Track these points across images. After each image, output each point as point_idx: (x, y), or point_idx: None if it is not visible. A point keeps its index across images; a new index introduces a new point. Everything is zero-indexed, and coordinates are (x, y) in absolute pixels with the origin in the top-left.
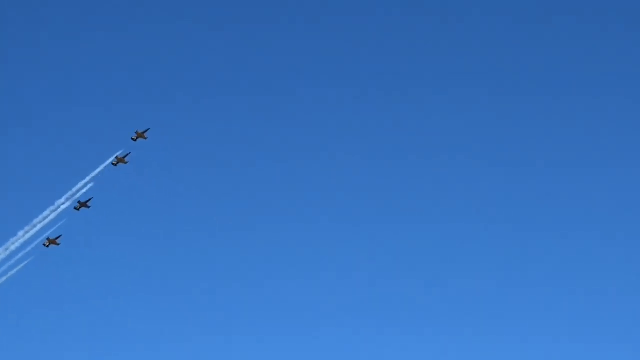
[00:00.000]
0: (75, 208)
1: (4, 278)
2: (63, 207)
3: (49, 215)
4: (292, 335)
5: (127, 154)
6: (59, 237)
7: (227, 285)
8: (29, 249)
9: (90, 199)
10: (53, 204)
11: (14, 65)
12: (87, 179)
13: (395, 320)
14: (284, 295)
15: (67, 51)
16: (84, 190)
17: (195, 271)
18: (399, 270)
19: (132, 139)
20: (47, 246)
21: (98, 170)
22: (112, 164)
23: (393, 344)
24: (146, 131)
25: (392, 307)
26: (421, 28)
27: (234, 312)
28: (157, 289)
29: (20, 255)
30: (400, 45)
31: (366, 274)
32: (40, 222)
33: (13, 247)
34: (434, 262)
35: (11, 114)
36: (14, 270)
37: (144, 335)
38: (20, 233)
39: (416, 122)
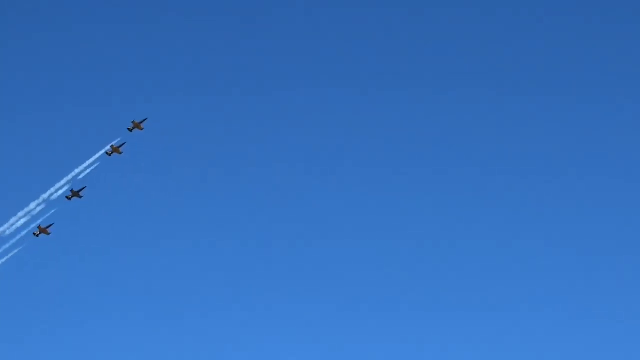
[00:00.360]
0: (67, 197)
1: None
2: (55, 195)
3: (40, 204)
4: (291, 335)
5: (123, 144)
6: (50, 225)
7: (220, 280)
8: (17, 238)
9: (83, 189)
10: (45, 192)
11: (14, 57)
12: (81, 168)
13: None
14: (280, 290)
15: (69, 42)
16: (77, 179)
17: (187, 265)
18: (400, 271)
19: (129, 129)
20: (38, 235)
21: (92, 159)
22: (107, 153)
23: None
24: (143, 121)
25: (393, 308)
26: (421, 27)
27: (228, 307)
28: (145, 282)
29: (7, 245)
30: (401, 44)
31: (368, 274)
32: (31, 211)
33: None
34: (434, 261)
35: (9, 103)
36: (3, 259)
37: (132, 328)
38: (10, 222)
39: (416, 121)
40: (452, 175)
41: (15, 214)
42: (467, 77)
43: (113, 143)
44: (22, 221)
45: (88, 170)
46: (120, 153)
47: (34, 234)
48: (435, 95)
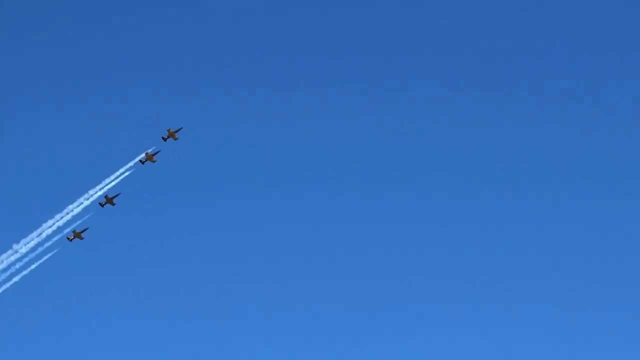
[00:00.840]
0: (100, 204)
1: (25, 271)
2: (87, 202)
3: (72, 210)
4: (291, 335)
5: (157, 152)
6: (85, 230)
7: (245, 287)
8: (51, 242)
9: (116, 195)
10: (78, 199)
11: (52, 65)
12: (113, 176)
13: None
14: (295, 299)
15: (119, 48)
16: (110, 186)
17: (217, 274)
18: (402, 272)
19: (163, 138)
20: (71, 240)
21: (126, 167)
22: (141, 161)
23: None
24: (178, 131)
25: (393, 308)
26: (421, 27)
27: (250, 315)
28: (174, 289)
29: (41, 248)
30: (402, 44)
31: (370, 275)
32: (63, 216)
33: (32, 243)
34: (434, 261)
35: (48, 107)
36: (36, 264)
37: (159, 334)
38: (44, 225)
39: (417, 121)
40: (452, 175)
41: (50, 218)
42: (467, 77)
43: (148, 151)
44: (57, 225)
45: (122, 177)
46: (154, 161)
47: (68, 238)
48: (435, 95)
